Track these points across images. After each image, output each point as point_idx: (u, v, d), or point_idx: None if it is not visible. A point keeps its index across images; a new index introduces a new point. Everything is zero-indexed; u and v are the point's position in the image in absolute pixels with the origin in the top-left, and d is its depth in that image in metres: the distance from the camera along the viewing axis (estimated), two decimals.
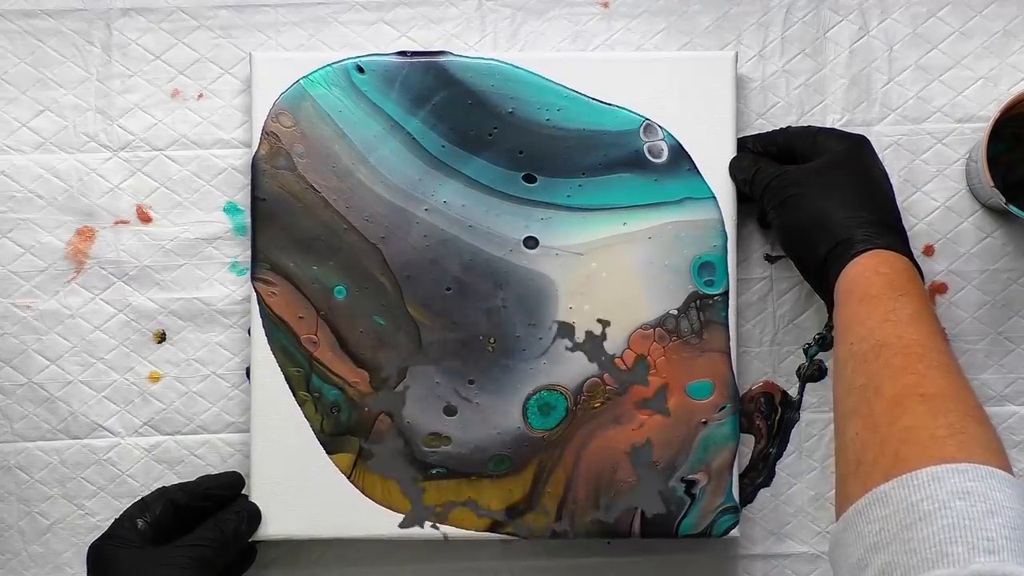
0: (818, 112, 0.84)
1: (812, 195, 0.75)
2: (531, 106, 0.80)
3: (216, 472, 0.83)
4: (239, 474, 0.81)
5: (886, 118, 0.84)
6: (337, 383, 0.80)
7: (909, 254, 0.73)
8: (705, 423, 0.80)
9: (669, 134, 0.81)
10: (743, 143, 0.81)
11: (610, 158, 0.81)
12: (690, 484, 0.80)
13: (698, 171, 0.81)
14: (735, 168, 0.81)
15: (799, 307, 0.84)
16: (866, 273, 0.71)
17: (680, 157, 0.81)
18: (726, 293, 0.80)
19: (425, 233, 0.80)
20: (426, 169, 0.80)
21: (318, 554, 0.83)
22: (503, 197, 0.80)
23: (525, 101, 0.80)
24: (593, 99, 0.81)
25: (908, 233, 0.84)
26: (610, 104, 0.81)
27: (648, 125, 0.81)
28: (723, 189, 0.81)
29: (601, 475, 0.80)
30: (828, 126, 0.83)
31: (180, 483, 0.79)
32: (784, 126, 0.83)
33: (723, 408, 0.80)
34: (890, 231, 0.75)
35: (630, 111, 0.81)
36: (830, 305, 0.75)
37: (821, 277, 0.75)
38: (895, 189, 0.84)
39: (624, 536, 0.80)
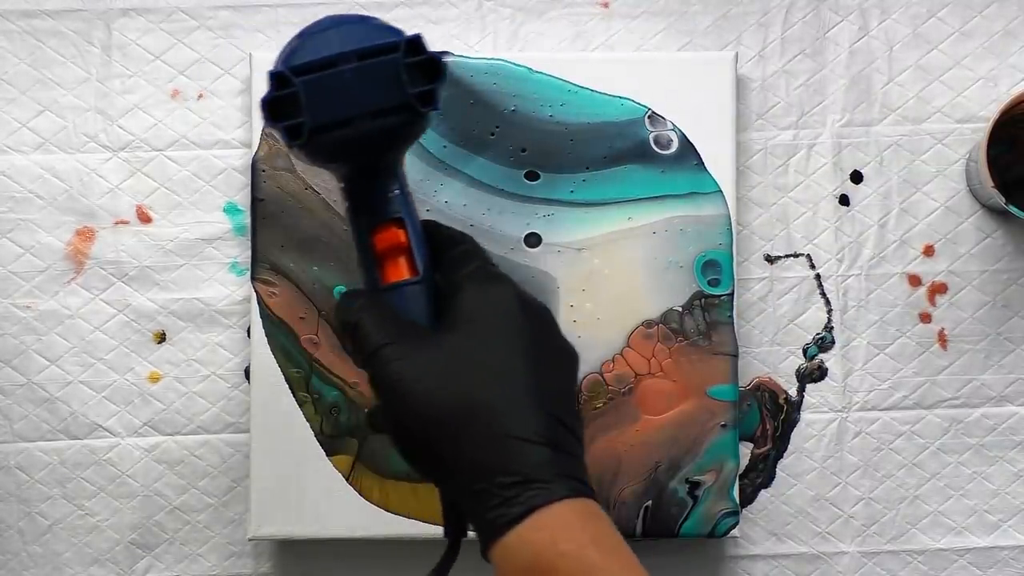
0: (818, 112, 0.84)
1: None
2: (533, 103, 0.80)
3: (215, 474, 0.83)
4: None
5: (886, 118, 0.84)
6: (337, 384, 0.80)
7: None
8: (724, 426, 0.80)
9: (675, 127, 0.81)
10: None
11: (615, 149, 0.81)
12: (695, 485, 0.80)
13: (704, 166, 0.81)
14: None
15: (799, 307, 0.84)
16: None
17: (687, 150, 0.81)
18: (731, 294, 0.80)
19: None
20: (427, 170, 0.80)
21: (317, 554, 0.83)
22: (505, 195, 0.80)
23: (527, 98, 0.80)
24: (596, 91, 0.81)
25: (909, 233, 0.84)
26: (613, 95, 0.81)
27: (652, 115, 0.81)
28: (726, 189, 0.81)
29: (603, 478, 0.80)
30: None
31: None
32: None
33: (737, 410, 0.80)
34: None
35: (634, 101, 0.81)
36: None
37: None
38: (895, 190, 0.84)
39: (626, 537, 0.80)
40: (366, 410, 0.60)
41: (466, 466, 0.53)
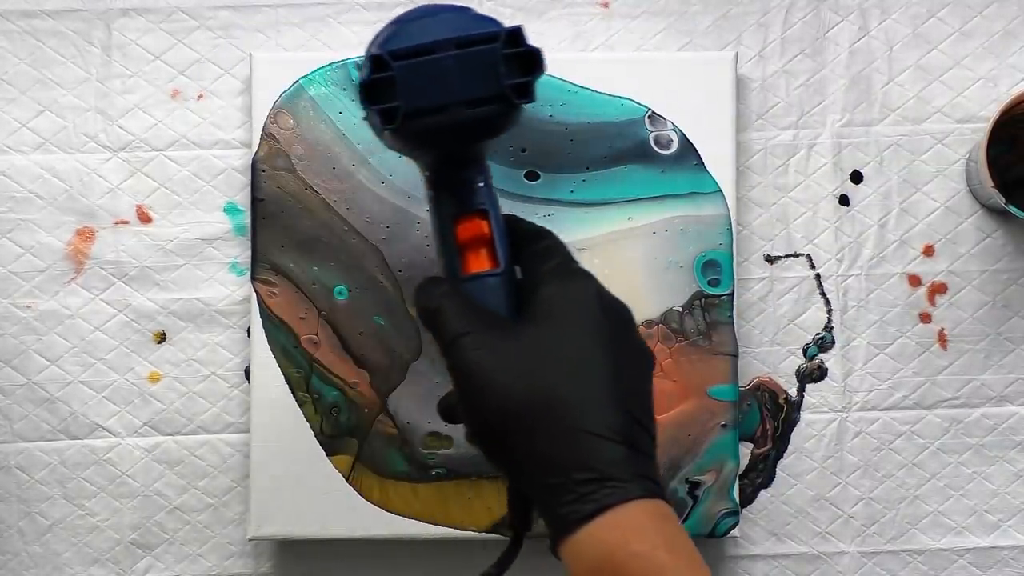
0: (818, 112, 0.84)
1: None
2: (533, 103, 0.80)
3: (215, 474, 0.83)
4: None
5: (886, 118, 0.84)
6: (337, 384, 0.80)
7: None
8: (724, 426, 0.80)
9: (675, 128, 0.81)
10: None
11: (616, 149, 0.81)
12: (695, 485, 0.80)
13: (704, 166, 0.81)
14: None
15: (799, 307, 0.84)
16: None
17: (687, 150, 0.81)
18: (731, 294, 0.80)
19: (426, 233, 0.80)
20: None
21: (317, 554, 0.83)
22: (505, 195, 0.80)
23: None
24: (596, 91, 0.81)
25: (909, 233, 0.84)
26: (613, 95, 0.81)
27: (652, 115, 0.81)
28: (726, 189, 0.81)
29: None
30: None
31: None
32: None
33: (737, 410, 0.80)
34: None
35: (634, 101, 0.81)
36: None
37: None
38: (895, 190, 0.84)
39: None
40: (439, 399, 0.61)
41: (541, 460, 0.52)
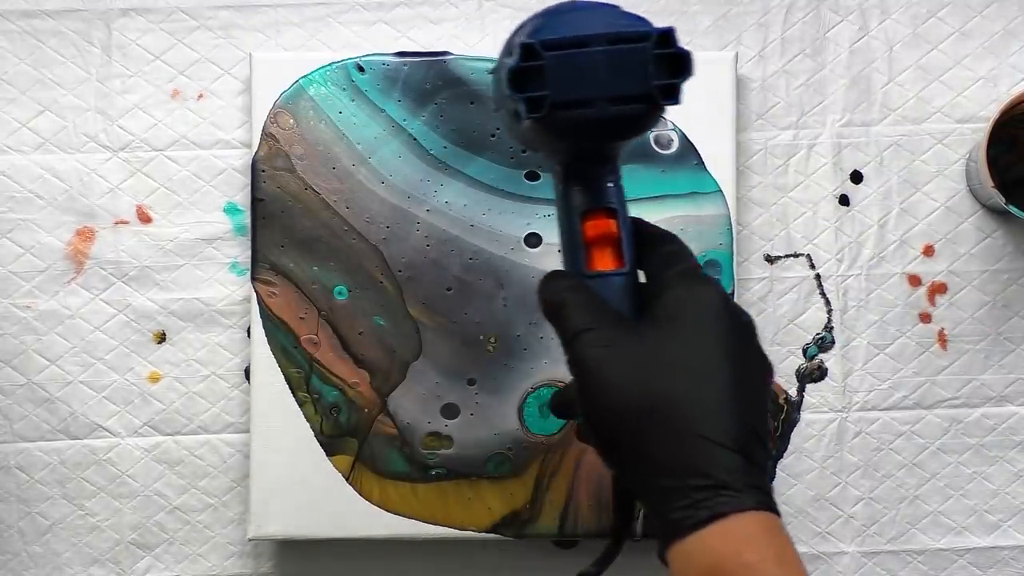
0: (818, 112, 0.84)
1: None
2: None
3: (215, 474, 0.83)
4: None
5: (886, 118, 0.84)
6: (337, 384, 0.80)
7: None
8: None
9: (675, 127, 0.81)
10: None
11: None
12: None
13: (704, 166, 0.81)
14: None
15: (799, 307, 0.84)
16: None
17: (688, 150, 0.81)
18: (731, 294, 0.80)
19: (426, 233, 0.80)
20: (427, 170, 0.80)
21: (317, 554, 0.83)
22: (505, 196, 0.80)
23: None
24: None
25: (909, 233, 0.84)
26: None
27: None
28: (726, 189, 0.81)
29: (603, 478, 0.80)
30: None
31: None
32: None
33: None
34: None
35: None
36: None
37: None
38: (895, 190, 0.84)
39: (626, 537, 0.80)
40: (554, 392, 0.60)
41: (656, 462, 0.52)
